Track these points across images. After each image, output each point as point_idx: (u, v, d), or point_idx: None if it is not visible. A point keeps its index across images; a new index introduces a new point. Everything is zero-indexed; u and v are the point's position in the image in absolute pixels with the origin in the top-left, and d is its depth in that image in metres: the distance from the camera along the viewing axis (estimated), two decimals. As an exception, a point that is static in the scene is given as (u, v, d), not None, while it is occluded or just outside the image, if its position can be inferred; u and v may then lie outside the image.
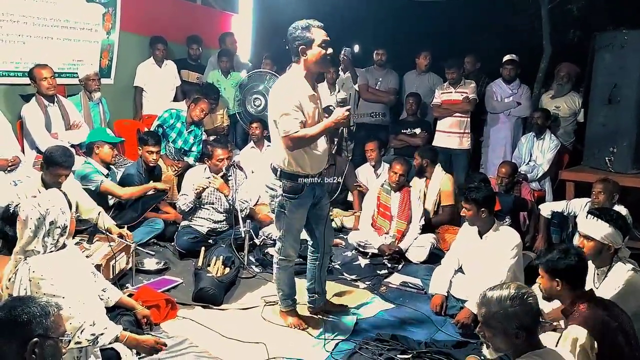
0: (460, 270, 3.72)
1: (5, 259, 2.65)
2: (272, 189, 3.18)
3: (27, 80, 4.67)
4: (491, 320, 2.05)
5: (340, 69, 6.40)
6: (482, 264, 3.51)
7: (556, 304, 3.10)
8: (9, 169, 4.16)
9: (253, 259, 4.36)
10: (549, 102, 5.93)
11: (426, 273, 4.10)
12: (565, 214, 4.44)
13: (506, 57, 5.97)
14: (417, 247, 4.55)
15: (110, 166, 4.50)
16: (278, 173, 3.11)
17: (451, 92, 5.81)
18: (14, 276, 2.45)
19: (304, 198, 3.16)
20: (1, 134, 4.26)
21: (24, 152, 4.51)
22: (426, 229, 4.73)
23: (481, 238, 3.56)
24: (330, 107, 5.13)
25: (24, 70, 4.72)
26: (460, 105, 5.75)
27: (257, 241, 4.55)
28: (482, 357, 2.84)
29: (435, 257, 4.42)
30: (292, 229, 3.25)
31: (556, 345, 2.32)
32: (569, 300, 2.46)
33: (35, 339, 1.64)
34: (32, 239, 2.46)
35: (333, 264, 4.39)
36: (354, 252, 4.54)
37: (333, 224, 5.16)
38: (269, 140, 5.85)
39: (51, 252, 2.50)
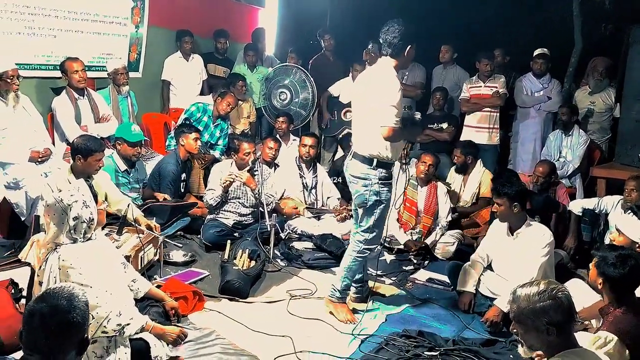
0: (489, 267, 3.67)
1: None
2: (364, 178, 3.26)
3: (57, 74, 4.74)
4: (521, 317, 2.02)
5: (366, 64, 6.35)
6: (512, 261, 3.45)
7: (587, 302, 3.06)
8: (40, 160, 4.23)
9: (278, 253, 4.36)
10: (585, 98, 5.80)
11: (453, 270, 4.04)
12: (596, 211, 4.35)
13: (537, 51, 5.85)
14: (444, 243, 4.51)
15: (134, 162, 4.51)
16: (374, 163, 3.22)
17: (480, 87, 5.72)
18: (45, 264, 2.49)
19: (392, 184, 3.35)
20: (33, 127, 4.32)
21: (54, 144, 4.58)
22: (453, 225, 4.68)
23: (512, 235, 3.50)
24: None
25: (55, 63, 4.79)
26: (491, 100, 5.66)
27: (282, 235, 4.56)
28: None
29: (462, 253, 4.37)
30: (385, 215, 3.38)
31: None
32: (608, 301, 2.43)
33: (88, 336, 1.69)
34: (58, 233, 2.50)
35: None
36: (379, 247, 4.51)
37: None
38: (295, 135, 5.91)
39: (81, 242, 2.54)
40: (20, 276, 3.23)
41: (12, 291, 3.04)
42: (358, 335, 3.19)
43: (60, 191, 2.58)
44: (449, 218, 4.63)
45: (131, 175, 4.47)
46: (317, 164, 5.40)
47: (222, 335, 3.08)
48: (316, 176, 5.22)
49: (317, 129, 6.66)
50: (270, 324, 3.25)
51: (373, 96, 3.19)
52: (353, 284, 3.59)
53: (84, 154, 3.64)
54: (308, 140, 5.11)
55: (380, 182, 3.25)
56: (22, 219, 4.09)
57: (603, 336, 2.29)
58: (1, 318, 2.66)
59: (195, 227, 4.64)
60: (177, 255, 4.10)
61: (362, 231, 3.37)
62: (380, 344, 3.07)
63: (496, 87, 5.66)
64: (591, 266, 2.56)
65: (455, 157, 5.09)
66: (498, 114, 5.72)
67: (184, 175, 4.91)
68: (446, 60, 6.28)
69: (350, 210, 4.98)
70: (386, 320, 3.41)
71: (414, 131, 3.47)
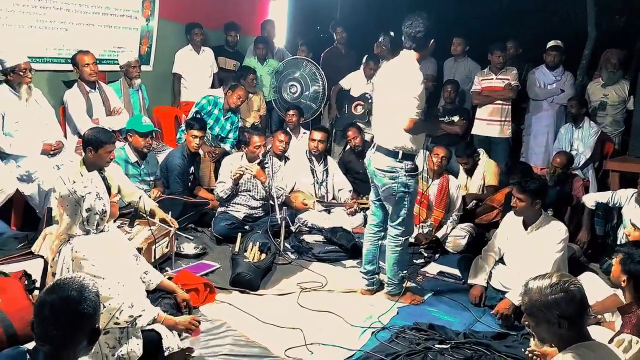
0: (501, 260, 3.64)
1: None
2: (391, 171, 3.30)
3: (69, 67, 4.76)
4: (533, 309, 2.00)
5: (380, 59, 6.29)
6: (526, 256, 3.43)
7: (600, 296, 3.03)
8: (52, 153, 4.26)
9: (289, 246, 4.37)
10: (597, 90, 5.73)
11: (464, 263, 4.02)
12: (610, 205, 4.30)
13: (550, 43, 5.79)
14: (455, 236, 4.49)
15: (145, 153, 4.53)
16: (400, 155, 3.27)
17: (492, 79, 5.68)
18: (57, 255, 2.51)
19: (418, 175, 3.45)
20: (45, 120, 4.34)
21: (66, 137, 4.60)
22: (465, 218, 4.66)
23: (526, 229, 3.48)
24: (366, 95, 5.26)
25: (67, 57, 4.81)
26: (502, 92, 5.62)
27: (293, 228, 4.56)
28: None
29: (473, 247, 4.34)
30: (414, 205, 3.50)
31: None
32: (630, 299, 2.40)
33: (98, 326, 1.68)
34: (71, 225, 2.51)
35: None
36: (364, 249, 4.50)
37: (368, 212, 5.13)
38: (305, 128, 5.90)
39: (93, 234, 2.56)
40: (34, 267, 3.25)
41: (26, 282, 3.07)
42: (369, 327, 3.19)
43: (73, 183, 2.58)
44: (460, 212, 4.60)
45: (142, 167, 4.48)
46: (328, 157, 5.40)
47: (233, 327, 3.10)
48: (327, 169, 5.22)
49: (327, 122, 6.65)
50: (280, 316, 3.26)
51: (396, 89, 3.22)
52: (365, 276, 3.63)
53: (95, 146, 3.65)
54: (317, 135, 5.10)
55: (407, 174, 3.29)
56: (36, 211, 4.13)
57: (627, 339, 2.26)
58: (15, 309, 2.67)
59: (206, 220, 4.66)
60: (189, 248, 4.12)
61: (396, 225, 3.43)
62: (390, 336, 3.06)
63: (508, 80, 5.61)
64: (615, 262, 2.52)
65: (463, 164, 5.04)
66: (510, 107, 5.68)
67: (192, 169, 4.91)
68: (458, 52, 6.24)
69: (362, 204, 5.01)
70: (397, 313, 3.41)
71: (434, 126, 3.55)
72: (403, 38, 3.30)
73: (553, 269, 3.26)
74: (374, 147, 3.44)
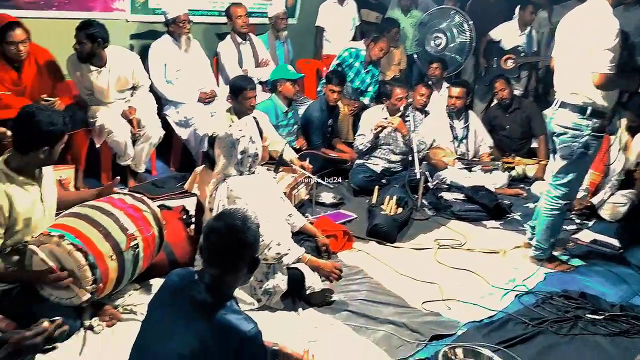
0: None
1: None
2: (575, 129, 3.05)
3: (222, 20, 5.00)
4: None
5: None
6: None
7: None
8: (207, 101, 4.55)
9: (426, 202, 4.28)
10: None
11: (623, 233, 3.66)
12: None
13: None
14: (614, 203, 4.08)
15: (293, 100, 4.65)
16: (588, 111, 3.00)
17: (674, 28, 4.97)
18: (215, 192, 2.69)
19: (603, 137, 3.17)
20: (202, 69, 4.64)
21: (218, 86, 4.87)
22: (626, 184, 4.20)
23: None
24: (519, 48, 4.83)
25: (220, 10, 5.05)
26: (687, 45, 4.90)
27: (430, 184, 4.46)
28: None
29: (634, 216, 3.92)
30: (587, 171, 3.32)
31: None
32: None
33: (258, 256, 1.78)
34: (226, 165, 2.67)
35: (513, 214, 4.16)
36: (537, 204, 4.22)
37: (514, 172, 4.87)
38: (448, 82, 5.66)
39: (246, 174, 2.70)
40: (191, 204, 3.56)
41: (184, 217, 3.36)
42: (512, 290, 3.05)
43: (230, 126, 2.73)
44: (622, 177, 4.15)
45: (289, 116, 4.61)
46: (470, 112, 5.14)
47: (370, 275, 3.13)
48: (467, 126, 4.97)
49: (472, 76, 6.31)
50: (417, 269, 3.24)
51: (585, 38, 2.92)
52: (533, 231, 3.48)
53: (235, 92, 3.80)
54: (455, 91, 4.85)
55: (592, 133, 3.02)
56: (193, 154, 4.47)
57: None
58: (175, 240, 2.95)
59: (344, 171, 4.72)
60: (327, 197, 4.20)
61: (560, 185, 3.19)
62: (537, 301, 2.90)
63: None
64: None
65: (630, 122, 4.43)
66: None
67: (330, 121, 4.97)
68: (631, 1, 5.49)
69: (507, 163, 4.75)
70: (544, 278, 3.22)
71: (632, 79, 3.18)
72: None
73: None
74: (556, 104, 3.14)
